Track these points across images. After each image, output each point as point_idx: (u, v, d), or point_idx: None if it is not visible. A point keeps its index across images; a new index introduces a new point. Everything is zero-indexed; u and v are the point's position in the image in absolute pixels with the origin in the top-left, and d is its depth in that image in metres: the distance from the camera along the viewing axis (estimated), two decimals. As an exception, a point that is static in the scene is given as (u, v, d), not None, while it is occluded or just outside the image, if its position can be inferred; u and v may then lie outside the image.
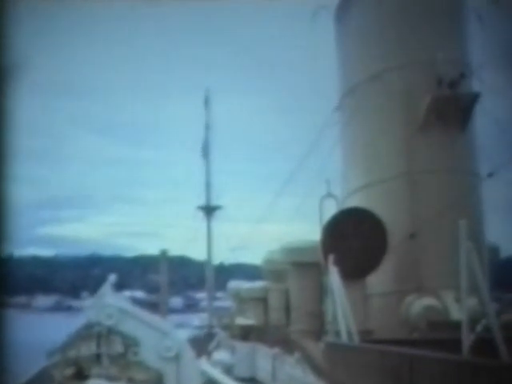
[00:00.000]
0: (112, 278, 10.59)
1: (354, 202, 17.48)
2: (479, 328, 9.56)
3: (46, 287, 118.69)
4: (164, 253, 31.68)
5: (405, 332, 14.62)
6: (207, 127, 38.35)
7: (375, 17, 18.15)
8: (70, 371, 11.54)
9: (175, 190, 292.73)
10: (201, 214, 38.99)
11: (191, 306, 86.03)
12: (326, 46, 21.82)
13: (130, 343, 10.22)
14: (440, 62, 15.56)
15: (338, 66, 20.18)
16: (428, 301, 14.80)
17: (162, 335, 9.97)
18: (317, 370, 13.34)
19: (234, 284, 28.43)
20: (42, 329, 38.29)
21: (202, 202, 39.02)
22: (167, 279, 32.22)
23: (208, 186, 38.51)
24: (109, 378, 10.32)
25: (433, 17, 17.06)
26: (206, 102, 38.61)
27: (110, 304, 9.98)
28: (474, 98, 15.88)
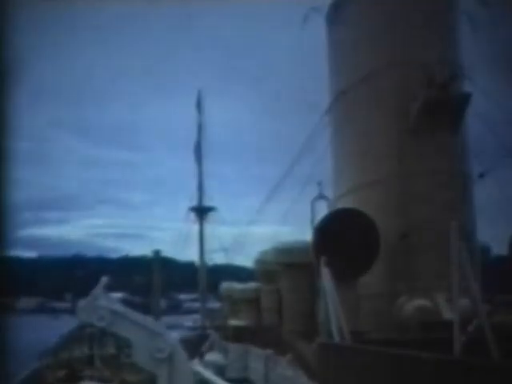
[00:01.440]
0: (104, 280, 10.56)
1: (346, 203, 17.50)
2: (470, 328, 9.61)
3: (29, 289, 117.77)
4: (157, 253, 31.51)
5: (397, 332, 14.66)
6: (199, 129, 38.16)
7: (366, 20, 18.21)
8: (62, 373, 11.50)
9: (160, 192, 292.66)
10: (190, 216, 38.70)
11: (174, 308, 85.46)
12: (317, 48, 21.90)
13: (123, 345, 10.21)
14: (431, 64, 15.60)
15: (329, 69, 20.24)
16: (420, 301, 14.84)
17: (155, 337, 9.94)
18: (309, 370, 13.36)
19: (227, 285, 28.31)
20: (27, 330, 38.06)
21: (189, 204, 38.68)
22: (158, 280, 32.07)
23: (200, 187, 38.30)
24: (101, 379, 10.29)
25: (423, 19, 17.12)
26: (198, 104, 38.45)
27: (103, 306, 9.94)
28: (466, 99, 15.90)
